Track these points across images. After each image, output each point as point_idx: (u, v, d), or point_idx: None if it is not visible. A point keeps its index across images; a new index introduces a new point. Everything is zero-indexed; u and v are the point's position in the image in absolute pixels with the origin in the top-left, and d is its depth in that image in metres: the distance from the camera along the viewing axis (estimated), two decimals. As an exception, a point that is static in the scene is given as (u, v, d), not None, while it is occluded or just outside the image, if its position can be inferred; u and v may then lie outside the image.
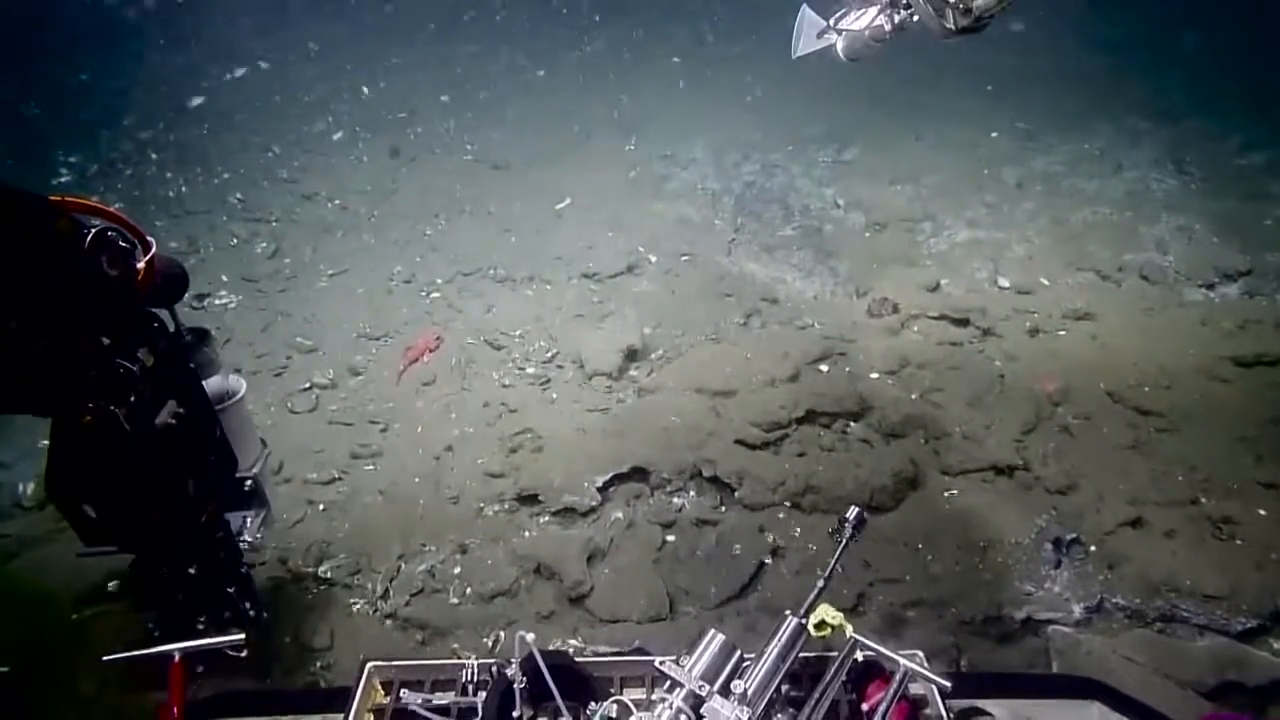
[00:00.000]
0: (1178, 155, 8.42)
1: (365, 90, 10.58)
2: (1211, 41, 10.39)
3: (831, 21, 3.00)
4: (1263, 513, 4.35)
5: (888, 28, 2.78)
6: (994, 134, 9.16)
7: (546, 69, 11.12)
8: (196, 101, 10.05)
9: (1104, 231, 7.13)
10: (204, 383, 3.18)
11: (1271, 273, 6.38)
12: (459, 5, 12.37)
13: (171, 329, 2.90)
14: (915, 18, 2.59)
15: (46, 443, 5.27)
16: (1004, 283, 6.50)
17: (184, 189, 8.43)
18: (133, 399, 2.58)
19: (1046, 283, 6.47)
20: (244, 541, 3.56)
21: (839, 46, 3.06)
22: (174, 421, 2.79)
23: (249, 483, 3.59)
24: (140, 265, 2.56)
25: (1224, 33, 10.42)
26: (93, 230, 2.38)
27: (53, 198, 2.27)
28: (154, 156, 9.00)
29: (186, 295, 3.10)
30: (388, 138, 9.48)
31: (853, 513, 2.30)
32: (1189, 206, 7.43)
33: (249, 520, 3.62)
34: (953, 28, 2.35)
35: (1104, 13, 11.46)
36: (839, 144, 9.05)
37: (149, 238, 2.59)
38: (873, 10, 2.83)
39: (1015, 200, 7.77)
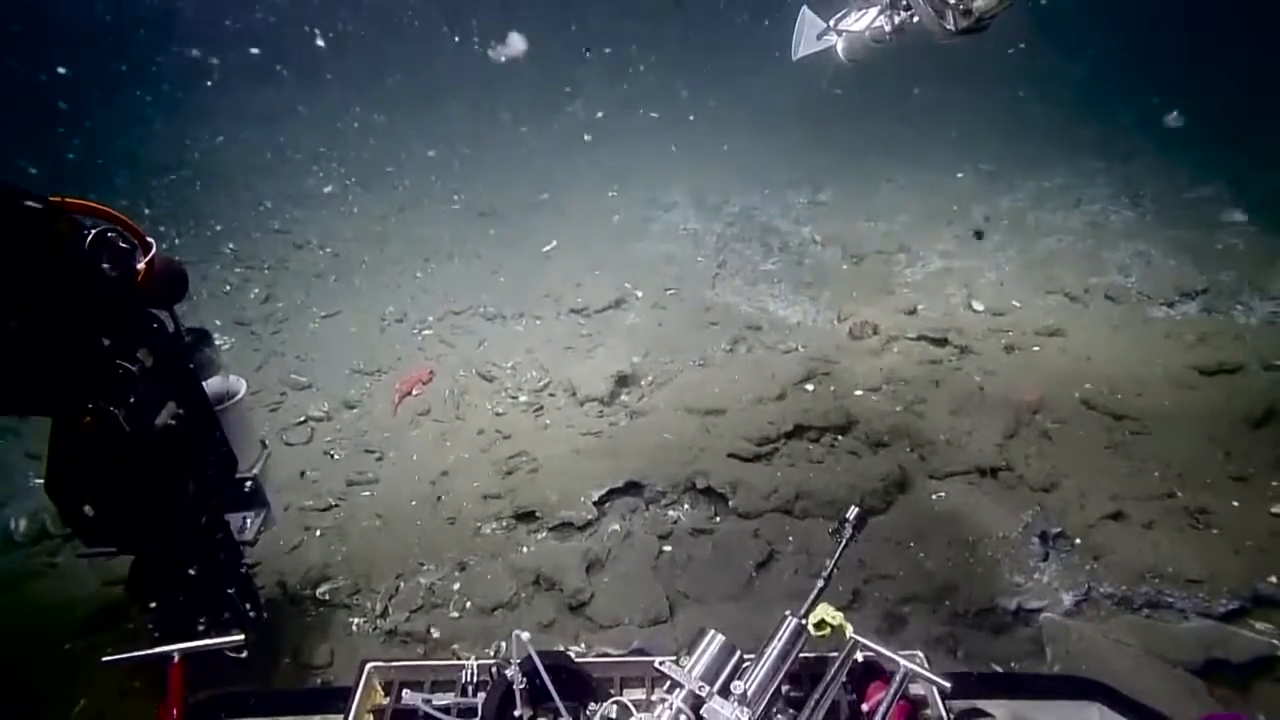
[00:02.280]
0: (1132, 191, 8.89)
1: (353, 152, 10.91)
2: (1155, 90, 11.04)
3: (832, 23, 3.03)
4: (1236, 504, 4.52)
5: (888, 29, 2.78)
6: (960, 175, 9.63)
7: (529, 127, 11.55)
8: (189, 160, 10.30)
9: (1069, 258, 7.49)
10: (204, 383, 3.18)
11: (1226, 291, 6.72)
12: (445, 70, 12.87)
13: (171, 330, 2.91)
14: (915, 19, 2.58)
15: (38, 481, 5.32)
16: (978, 306, 6.78)
17: (177, 241, 8.58)
18: (132, 400, 2.58)
19: (1018, 305, 6.75)
20: (244, 542, 3.52)
21: (839, 47, 3.08)
22: (174, 422, 2.80)
23: (249, 483, 3.58)
24: (140, 266, 2.57)
25: (1166, 83, 11.10)
26: (93, 231, 2.38)
27: (53, 198, 2.26)
28: (147, 212, 9.15)
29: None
30: (377, 190, 9.76)
31: (853, 512, 2.22)
32: (1146, 234, 7.82)
33: (249, 521, 3.60)
34: (953, 29, 2.33)
35: (1052, 66, 12.20)
36: (814, 187, 9.46)
37: (149, 239, 2.59)
38: (873, 11, 2.85)
39: (984, 233, 8.12)
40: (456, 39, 13.33)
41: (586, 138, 10.89)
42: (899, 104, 11.66)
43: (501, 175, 10.08)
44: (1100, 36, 12.72)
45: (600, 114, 11.86)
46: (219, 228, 8.98)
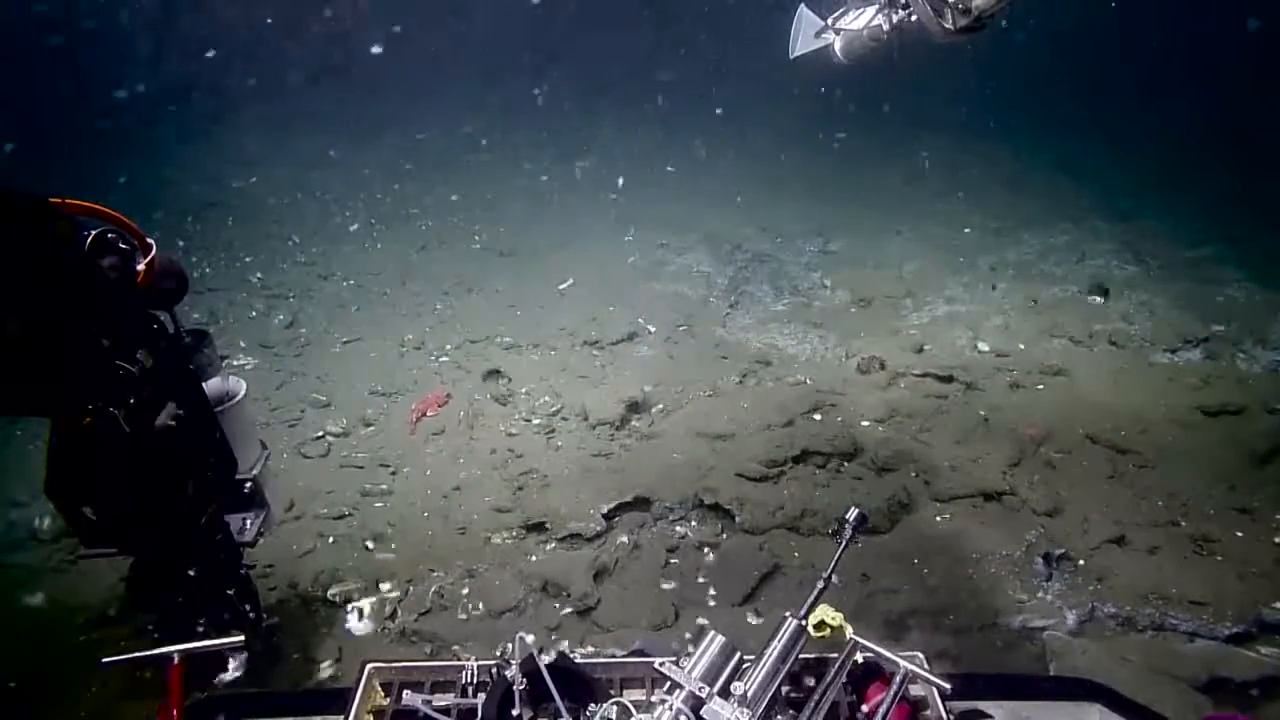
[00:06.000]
0: (1135, 248, 9.10)
1: (380, 195, 11.34)
2: (1155, 156, 11.41)
3: (830, 21, 3.06)
4: (1240, 534, 4.56)
5: (886, 28, 2.78)
6: (967, 230, 9.89)
7: (550, 175, 11.97)
8: (223, 198, 10.75)
9: (1073, 306, 7.66)
10: (204, 384, 3.21)
11: (1228, 339, 6.86)
12: (471, 124, 13.46)
13: (171, 331, 2.93)
14: (914, 17, 2.55)
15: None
16: (983, 347, 6.93)
17: (208, 270, 8.90)
18: (132, 400, 2.58)
19: (1023, 347, 6.89)
20: (243, 543, 3.53)
21: (836, 46, 3.09)
22: (173, 423, 2.79)
23: (249, 484, 3.58)
24: (140, 267, 2.56)
25: (1165, 149, 11.48)
26: (93, 233, 2.39)
27: (53, 199, 2.25)
28: (181, 244, 9.49)
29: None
30: (400, 230, 10.12)
31: (852, 513, 2.19)
32: (1149, 286, 8.00)
33: (248, 522, 3.60)
34: (951, 28, 2.30)
35: (1056, 132, 12.65)
36: (824, 237, 9.72)
37: (149, 239, 2.58)
38: (871, 10, 2.86)
39: (990, 281, 8.33)
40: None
41: (616, 188, 11.25)
42: (909, 166, 12.07)
43: (522, 219, 10.42)
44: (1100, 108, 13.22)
45: (619, 165, 12.29)
46: (248, 259, 9.31)
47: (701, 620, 4.13)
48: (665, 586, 4.38)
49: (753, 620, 4.09)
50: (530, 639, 2.17)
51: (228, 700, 3.01)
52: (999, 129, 13.20)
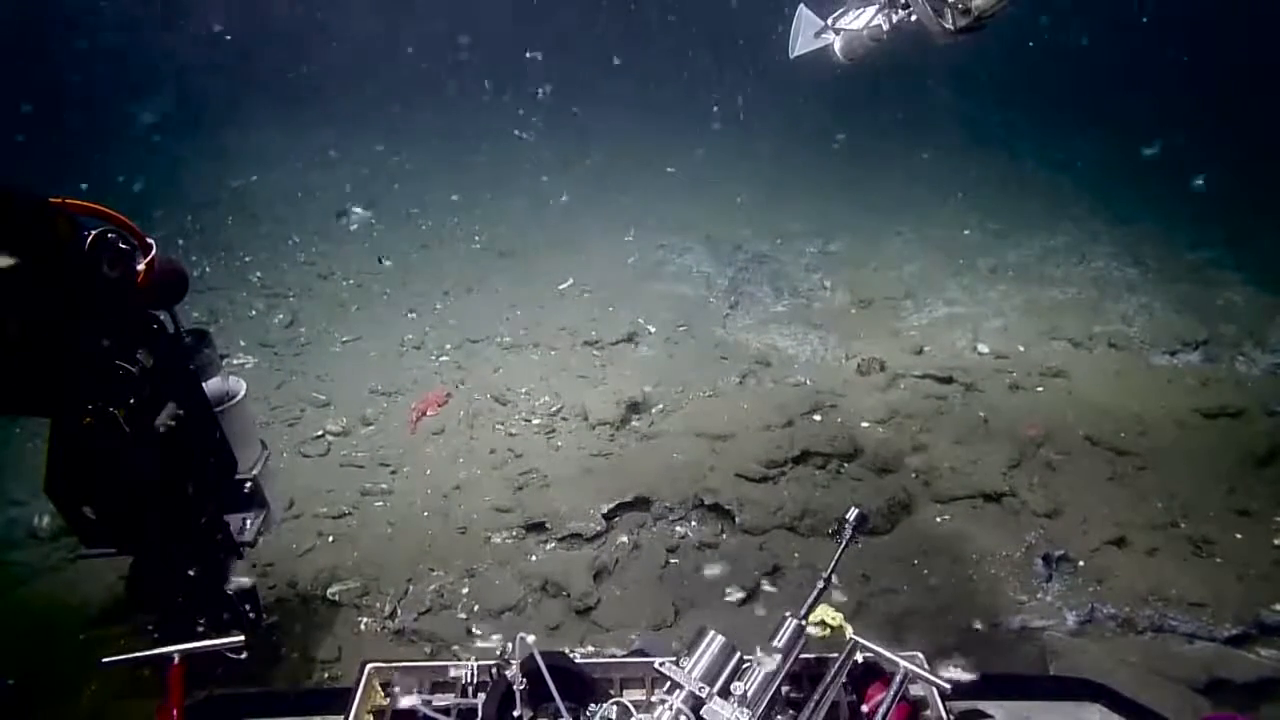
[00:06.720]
0: (1135, 251, 9.10)
1: (380, 195, 11.33)
2: (1155, 158, 11.41)
3: (830, 21, 3.03)
4: (1239, 536, 4.58)
5: (886, 27, 2.77)
6: (966, 231, 9.89)
7: (550, 175, 11.97)
8: (222, 197, 10.75)
9: (1073, 308, 7.67)
10: (204, 384, 3.21)
11: (1227, 341, 6.88)
12: (472, 121, 13.47)
13: (171, 331, 2.93)
14: (914, 18, 2.52)
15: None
16: (983, 349, 6.94)
17: (208, 269, 8.90)
18: (132, 400, 2.59)
19: (1022, 349, 6.90)
20: (243, 543, 3.50)
21: (836, 46, 3.07)
22: (173, 423, 2.79)
23: (248, 484, 3.57)
24: (140, 267, 2.56)
25: (1166, 150, 11.48)
26: (93, 233, 2.38)
27: (53, 199, 2.25)
28: (180, 243, 9.50)
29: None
30: (401, 230, 10.12)
31: (852, 513, 2.21)
32: (1149, 289, 8.02)
33: (248, 522, 3.58)
34: (951, 28, 2.29)
35: (1056, 133, 12.66)
36: (824, 238, 9.73)
37: (149, 239, 2.58)
38: (871, 10, 2.84)
39: (990, 283, 8.35)
40: (485, 97, 13.99)
41: (616, 189, 11.25)
42: (908, 166, 12.06)
43: (522, 219, 10.42)
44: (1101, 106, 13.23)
45: (619, 165, 12.30)
46: (248, 259, 9.30)
47: (700, 620, 4.12)
48: (665, 587, 4.37)
49: (753, 622, 4.08)
50: (530, 639, 2.15)
51: (228, 700, 3.01)
52: (999, 130, 13.22)
